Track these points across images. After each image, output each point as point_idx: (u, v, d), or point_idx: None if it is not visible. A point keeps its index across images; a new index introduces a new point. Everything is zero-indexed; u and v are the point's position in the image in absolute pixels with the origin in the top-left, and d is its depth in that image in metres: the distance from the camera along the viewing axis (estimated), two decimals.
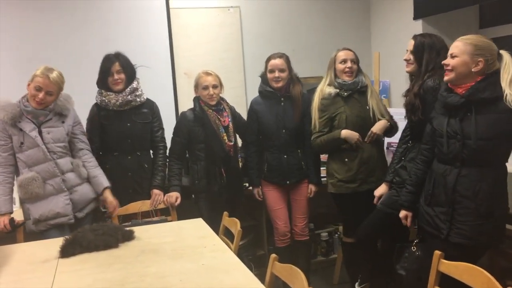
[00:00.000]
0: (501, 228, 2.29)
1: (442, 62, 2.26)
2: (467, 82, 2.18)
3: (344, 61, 2.97)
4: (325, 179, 3.19)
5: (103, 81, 3.06)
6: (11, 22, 3.50)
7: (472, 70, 2.16)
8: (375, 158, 2.98)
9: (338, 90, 2.98)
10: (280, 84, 3.13)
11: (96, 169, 2.94)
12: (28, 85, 2.74)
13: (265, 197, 3.28)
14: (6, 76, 3.42)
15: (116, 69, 3.02)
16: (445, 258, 1.96)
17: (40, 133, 2.75)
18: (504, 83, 2.13)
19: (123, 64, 3.03)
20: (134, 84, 3.06)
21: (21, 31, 3.51)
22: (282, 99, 3.17)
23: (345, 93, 2.97)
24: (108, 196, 2.91)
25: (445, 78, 2.25)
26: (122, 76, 3.03)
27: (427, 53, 2.57)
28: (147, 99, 3.17)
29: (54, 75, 2.73)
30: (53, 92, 2.74)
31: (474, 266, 1.78)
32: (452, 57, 2.21)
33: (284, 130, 3.15)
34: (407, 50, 2.68)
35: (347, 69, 2.96)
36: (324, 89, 3.02)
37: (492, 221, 2.18)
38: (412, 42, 2.64)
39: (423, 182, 2.42)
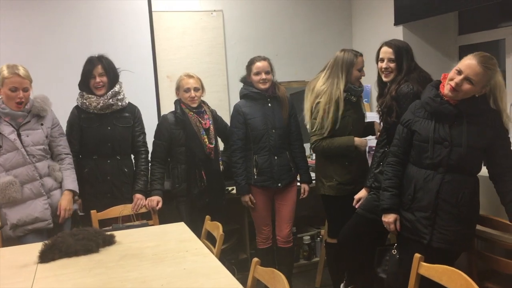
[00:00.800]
0: (474, 233, 2.38)
1: (456, 81, 2.16)
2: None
3: (361, 68, 2.95)
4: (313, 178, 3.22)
5: (85, 83, 3.03)
6: None
7: (476, 95, 2.21)
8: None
9: (346, 94, 2.91)
10: (267, 86, 3.16)
11: (66, 172, 2.89)
12: None
13: (253, 203, 3.25)
14: None
15: (98, 71, 2.99)
16: (425, 262, 1.98)
17: (19, 136, 2.71)
18: (500, 102, 2.19)
19: (106, 67, 3.01)
20: (116, 88, 3.04)
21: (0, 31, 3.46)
22: (269, 99, 3.19)
23: (354, 98, 2.96)
24: (63, 198, 2.83)
25: (450, 95, 2.20)
26: (104, 79, 3.01)
27: (406, 58, 2.60)
28: (129, 103, 3.15)
29: (22, 70, 2.68)
30: (28, 87, 2.71)
31: (453, 268, 1.80)
32: (467, 79, 2.15)
33: (274, 130, 3.17)
34: (382, 59, 2.66)
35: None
36: (336, 92, 2.88)
37: (469, 226, 2.25)
38: (390, 49, 2.63)
39: (402, 184, 2.44)
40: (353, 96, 2.95)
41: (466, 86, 2.16)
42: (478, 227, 2.44)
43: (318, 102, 2.91)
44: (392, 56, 2.62)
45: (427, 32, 3.79)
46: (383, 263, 2.58)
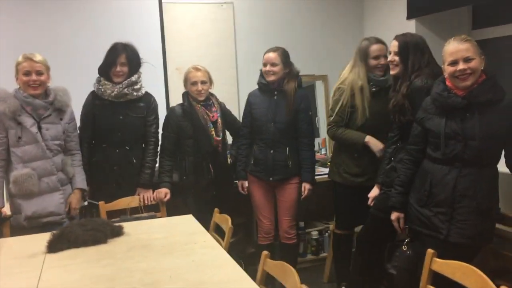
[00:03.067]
0: (494, 227, 2.31)
1: (458, 69, 2.16)
2: None
3: (377, 57, 2.88)
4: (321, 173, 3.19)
5: (105, 70, 3.00)
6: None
7: (481, 68, 2.17)
8: None
9: (366, 84, 2.88)
10: (271, 78, 3.11)
11: (78, 169, 2.90)
12: (17, 78, 2.69)
13: (251, 192, 3.25)
14: None
15: (121, 61, 2.97)
16: (441, 259, 1.94)
17: (39, 129, 2.69)
18: None
19: (130, 57, 2.98)
20: (134, 78, 3.01)
21: (10, 23, 3.44)
22: (276, 92, 3.15)
23: (374, 88, 2.89)
24: (73, 197, 2.84)
25: (465, 83, 2.17)
26: (125, 69, 2.98)
27: (412, 53, 2.54)
28: (146, 93, 3.12)
29: (37, 56, 2.70)
30: (42, 71, 2.69)
31: (466, 264, 1.77)
32: (468, 60, 2.15)
33: (272, 124, 3.12)
34: (389, 52, 2.65)
35: (379, 65, 2.87)
36: (356, 79, 2.88)
37: (489, 219, 2.21)
38: (396, 43, 2.60)
39: (411, 183, 2.41)
40: (374, 86, 2.89)
41: (471, 64, 2.15)
42: None
43: (339, 88, 2.94)
44: (396, 50, 2.59)
45: (440, 27, 3.73)
46: (393, 259, 2.55)
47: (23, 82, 2.66)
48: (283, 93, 3.14)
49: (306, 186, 3.19)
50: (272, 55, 3.10)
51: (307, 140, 3.21)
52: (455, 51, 2.18)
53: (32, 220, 2.69)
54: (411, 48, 2.55)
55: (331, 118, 3.00)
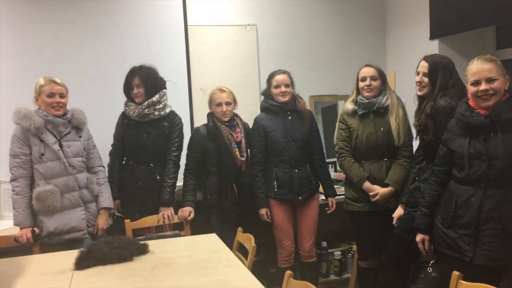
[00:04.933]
0: None
1: (481, 89, 2.15)
2: None
3: (363, 78, 2.98)
4: (342, 192, 3.24)
5: (127, 93, 3.14)
6: (27, 36, 3.58)
7: (506, 88, 2.17)
8: (384, 179, 2.95)
9: (356, 107, 3.01)
10: (286, 98, 3.17)
11: (103, 187, 2.97)
12: (37, 99, 2.79)
13: (273, 216, 3.22)
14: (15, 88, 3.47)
15: (136, 83, 3.07)
16: (467, 281, 1.91)
17: (61, 146, 2.78)
18: None
19: (143, 78, 3.07)
20: (155, 98, 3.08)
21: (37, 45, 3.58)
22: (289, 112, 3.20)
23: (360, 112, 2.99)
24: (100, 217, 2.92)
25: (487, 103, 2.16)
26: (141, 90, 3.07)
27: (441, 74, 2.55)
28: (171, 112, 3.19)
29: (58, 79, 2.81)
30: (64, 94, 2.81)
31: (492, 287, 1.74)
32: (491, 80, 2.15)
33: (294, 143, 3.16)
34: (418, 72, 2.66)
35: (365, 87, 2.97)
36: (347, 104, 3.08)
37: None
38: (426, 64, 2.60)
39: (437, 204, 2.39)
40: (360, 109, 2.98)
41: (493, 85, 2.14)
42: None
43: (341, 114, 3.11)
44: (426, 71, 2.60)
45: (463, 47, 3.73)
46: (418, 280, 2.51)
47: (46, 104, 2.76)
48: (297, 112, 3.21)
49: (333, 201, 3.28)
50: (284, 76, 3.18)
51: (321, 156, 3.32)
52: (477, 71, 2.18)
53: (53, 237, 2.75)
54: (440, 69, 2.56)
55: (336, 147, 3.10)
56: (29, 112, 2.73)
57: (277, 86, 3.16)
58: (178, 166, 3.20)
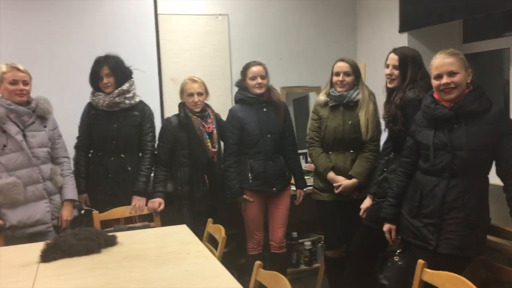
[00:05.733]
0: (485, 238, 2.33)
1: (442, 83, 2.21)
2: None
3: (337, 73, 3.00)
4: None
5: (95, 83, 3.06)
6: None
7: (468, 81, 2.22)
8: (348, 172, 3.00)
9: (328, 99, 3.04)
10: (262, 90, 3.17)
11: (67, 178, 2.91)
12: None
13: (246, 207, 3.24)
14: None
15: (105, 72, 3.01)
16: (432, 269, 1.96)
17: (24, 136, 2.70)
18: None
19: (112, 67, 3.01)
20: (125, 86, 3.04)
21: (2, 32, 3.46)
22: (264, 104, 3.20)
23: (331, 104, 3.02)
24: (64, 209, 2.86)
25: (449, 96, 2.22)
26: (111, 79, 3.02)
27: (411, 67, 2.59)
28: (140, 101, 3.15)
29: (21, 65, 2.73)
30: (27, 81, 2.73)
31: (456, 275, 1.79)
32: (452, 74, 2.19)
33: (269, 135, 3.16)
34: (388, 65, 2.68)
35: (338, 82, 2.99)
36: (320, 95, 3.12)
37: (478, 231, 2.23)
38: (395, 57, 2.64)
39: (404, 194, 2.44)
40: (331, 101, 3.02)
41: (454, 79, 2.19)
42: None
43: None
44: (396, 63, 2.63)
45: (431, 40, 3.79)
46: (385, 269, 2.56)
47: (9, 91, 2.68)
48: (272, 104, 3.21)
49: (301, 193, 3.32)
50: (260, 68, 3.18)
51: (293, 148, 3.35)
52: (439, 65, 2.23)
53: (17, 230, 2.69)
54: (410, 61, 2.60)
55: (307, 136, 3.15)
56: None
57: (253, 78, 3.15)
58: (154, 156, 3.16)
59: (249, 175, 3.18)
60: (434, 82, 2.26)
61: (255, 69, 3.16)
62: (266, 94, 3.21)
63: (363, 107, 2.99)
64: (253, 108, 3.20)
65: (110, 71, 3.01)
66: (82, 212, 3.06)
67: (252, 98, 3.18)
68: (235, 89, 4.02)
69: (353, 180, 2.96)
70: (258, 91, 3.16)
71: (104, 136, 3.05)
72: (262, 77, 3.16)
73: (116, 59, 3.06)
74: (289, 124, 3.34)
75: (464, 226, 2.20)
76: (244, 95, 3.21)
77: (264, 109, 3.20)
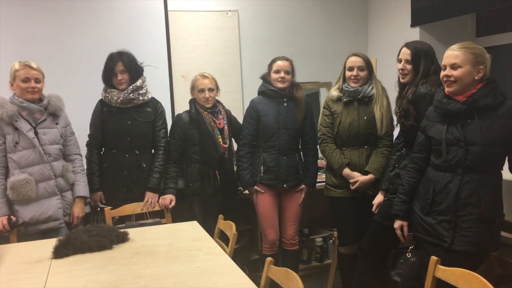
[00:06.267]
0: (499, 233, 2.30)
1: (444, 74, 2.21)
2: (468, 90, 2.18)
3: (351, 68, 2.97)
4: (324, 179, 3.23)
5: (108, 80, 3.05)
6: (4, 20, 3.47)
7: (476, 78, 2.17)
8: (364, 167, 2.97)
9: (341, 95, 3.01)
10: (284, 85, 3.15)
11: (79, 175, 2.92)
12: (12, 84, 2.72)
13: (258, 203, 3.22)
14: None
15: (119, 69, 3.01)
16: (448, 267, 1.94)
17: (36, 134, 2.72)
18: None
19: (126, 63, 3.02)
20: (138, 83, 3.05)
21: (15, 30, 3.48)
22: (285, 99, 3.18)
23: (345, 99, 2.99)
24: (75, 206, 2.87)
25: (448, 89, 2.21)
26: (126, 76, 3.02)
27: (423, 61, 2.56)
28: (152, 98, 3.16)
29: (33, 63, 2.74)
30: (40, 79, 2.74)
31: (470, 272, 1.77)
32: (454, 67, 2.17)
33: (285, 130, 3.14)
34: (400, 60, 2.66)
35: (352, 77, 2.96)
36: (332, 91, 3.08)
37: (493, 226, 2.19)
38: (408, 51, 2.61)
39: (415, 191, 2.41)
40: (345, 96, 2.99)
41: (455, 72, 2.17)
42: None
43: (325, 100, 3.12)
44: (409, 58, 2.60)
45: (444, 34, 3.75)
46: (398, 266, 2.54)
47: (21, 89, 2.70)
48: (293, 100, 3.18)
49: (304, 189, 3.27)
50: (286, 63, 3.16)
51: (313, 146, 3.29)
52: (446, 56, 2.22)
53: (30, 227, 2.71)
54: (422, 55, 2.57)
55: (319, 132, 3.11)
56: (2, 100, 2.67)
57: (277, 71, 3.14)
58: (168, 153, 3.17)
59: (261, 168, 3.17)
60: (441, 73, 2.25)
61: (280, 63, 3.15)
62: (289, 90, 3.18)
63: (378, 102, 2.96)
64: (274, 101, 3.18)
65: (124, 67, 3.01)
66: (98, 209, 3.07)
67: (273, 91, 3.17)
68: (246, 85, 4.06)
69: (370, 176, 2.93)
70: (280, 85, 3.14)
71: (118, 133, 3.05)
72: (287, 72, 3.14)
73: (129, 56, 3.06)
74: (311, 122, 3.27)
75: (480, 222, 2.16)
76: (266, 88, 3.20)
77: (285, 104, 3.18)
